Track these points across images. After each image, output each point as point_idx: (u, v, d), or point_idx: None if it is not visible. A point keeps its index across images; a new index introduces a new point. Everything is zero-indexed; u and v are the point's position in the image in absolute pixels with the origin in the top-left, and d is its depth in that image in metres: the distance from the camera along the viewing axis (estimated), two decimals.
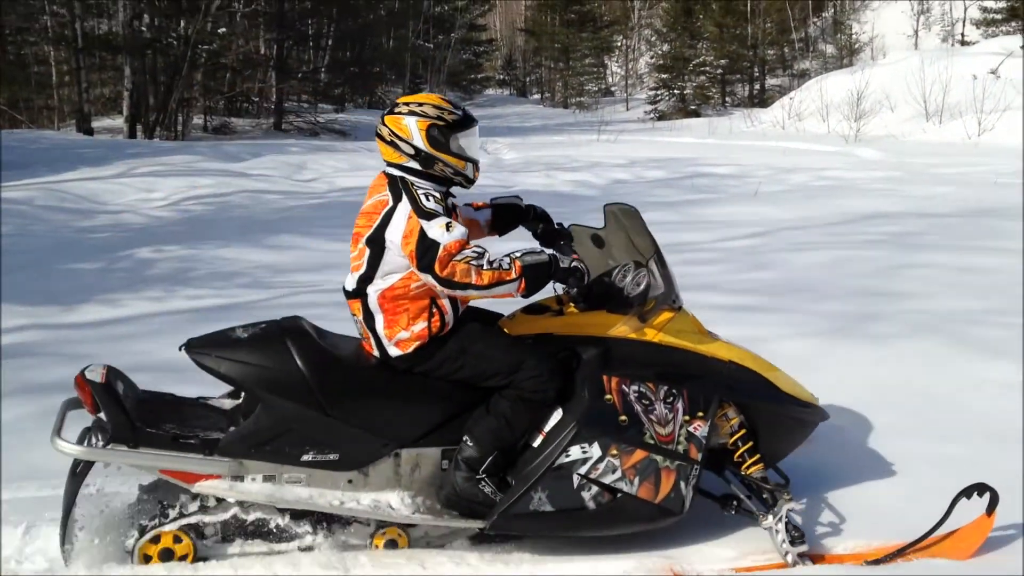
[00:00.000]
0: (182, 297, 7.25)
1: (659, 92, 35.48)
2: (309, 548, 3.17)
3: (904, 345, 5.82)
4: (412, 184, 3.14)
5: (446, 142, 3.17)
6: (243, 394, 3.25)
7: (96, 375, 3.03)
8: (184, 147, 17.73)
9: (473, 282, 3.01)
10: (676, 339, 3.32)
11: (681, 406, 3.20)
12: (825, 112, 23.54)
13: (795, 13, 37.43)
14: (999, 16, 30.58)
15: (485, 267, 3.02)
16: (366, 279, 3.17)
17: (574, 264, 3.22)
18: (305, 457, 3.07)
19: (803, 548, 3.21)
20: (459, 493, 3.14)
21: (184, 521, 3.10)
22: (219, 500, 3.12)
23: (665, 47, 37.50)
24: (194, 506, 3.12)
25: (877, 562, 3.16)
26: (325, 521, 3.19)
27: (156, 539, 3.09)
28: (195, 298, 7.21)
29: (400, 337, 3.15)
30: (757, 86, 36.37)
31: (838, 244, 9.32)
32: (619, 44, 47.57)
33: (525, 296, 3.13)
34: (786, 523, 3.22)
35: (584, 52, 43.64)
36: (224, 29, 23.48)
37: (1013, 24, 29.14)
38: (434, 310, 3.15)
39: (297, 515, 3.16)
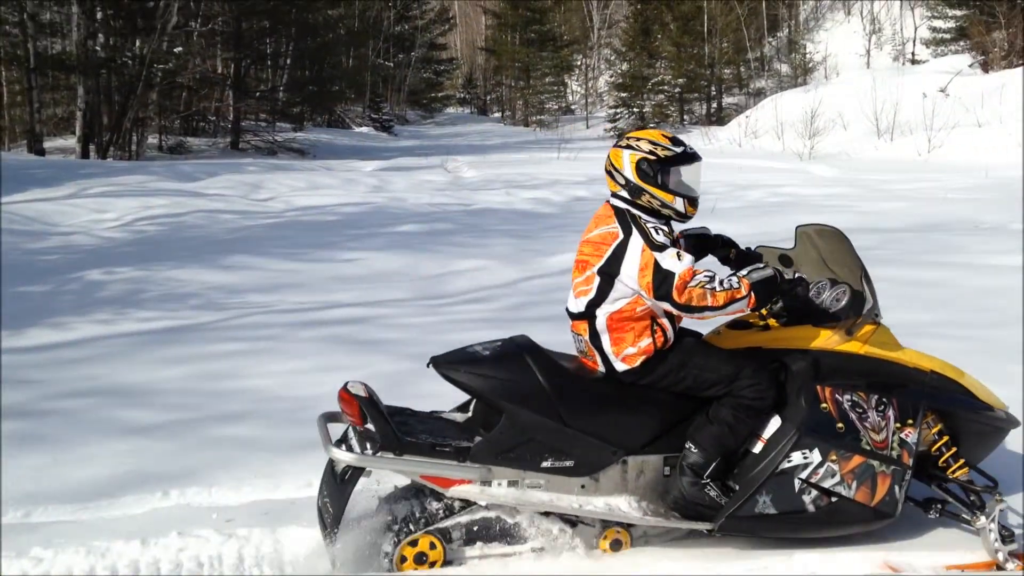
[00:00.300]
0: (132, 319, 7.12)
1: (619, 110, 35.83)
2: (541, 549, 3.34)
3: None
4: (640, 219, 3.31)
5: (654, 176, 3.31)
6: (472, 407, 3.51)
7: (360, 390, 3.27)
8: (138, 167, 17.49)
9: (709, 304, 3.17)
10: (880, 351, 3.45)
11: (892, 414, 3.36)
12: (780, 130, 23.93)
13: (751, 33, 38.07)
14: (948, 36, 31.35)
15: (718, 288, 3.18)
16: (595, 304, 3.36)
17: (798, 275, 3.44)
18: (545, 464, 3.27)
19: (1014, 547, 3.31)
20: (686, 497, 3.30)
21: (437, 525, 3.28)
22: (464, 505, 3.31)
23: (624, 66, 37.85)
24: (443, 511, 3.30)
25: None
26: (554, 524, 3.36)
27: (413, 543, 3.26)
28: (145, 320, 7.09)
29: (627, 353, 3.34)
30: (714, 104, 36.88)
31: None
32: (579, 63, 48.01)
33: (754, 311, 3.33)
34: (998, 523, 3.32)
35: (544, 71, 43.99)
36: (180, 48, 23.25)
37: (961, 43, 29.88)
38: (656, 327, 3.34)
39: (529, 519, 3.35)
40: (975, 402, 3.48)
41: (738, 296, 3.19)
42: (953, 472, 3.45)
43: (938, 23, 31.93)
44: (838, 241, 3.58)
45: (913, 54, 34.88)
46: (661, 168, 3.31)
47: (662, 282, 3.14)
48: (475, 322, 7.19)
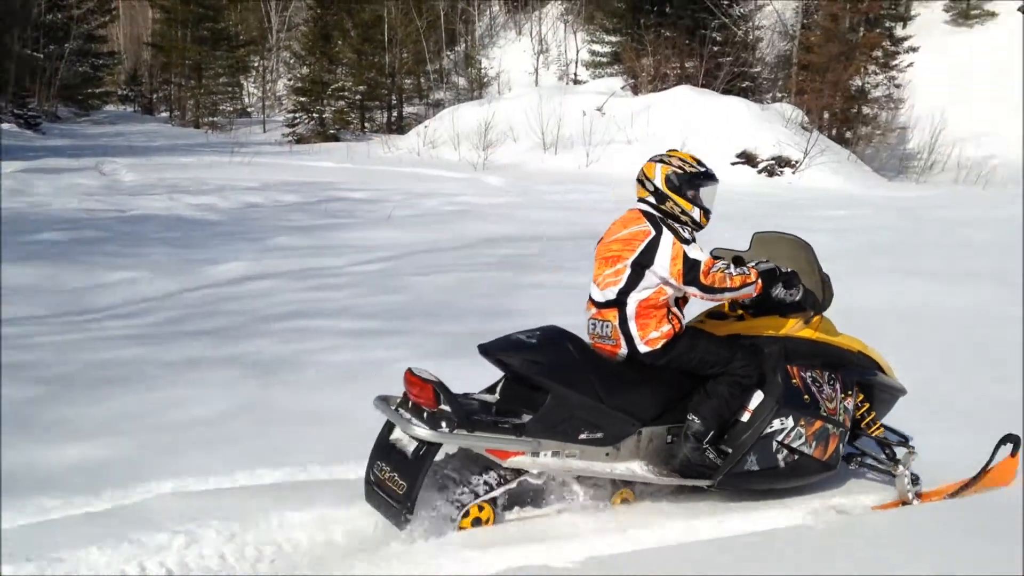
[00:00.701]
0: None
1: (298, 115, 35.04)
2: (564, 509, 3.79)
3: None
4: (667, 221, 3.89)
5: (679, 187, 3.91)
6: (500, 389, 3.92)
7: (429, 375, 3.62)
8: None
9: (728, 286, 3.79)
10: (826, 336, 4.20)
11: (838, 387, 4.13)
12: (457, 141, 24.72)
13: (430, 45, 39.07)
14: (605, 59, 34.26)
15: (734, 273, 3.82)
16: (625, 292, 3.86)
17: (790, 270, 4.06)
18: (581, 436, 3.72)
19: (919, 488, 4.18)
20: (690, 460, 3.87)
21: (493, 494, 3.64)
22: (515, 475, 3.68)
23: (304, 70, 37.10)
24: (496, 481, 3.65)
25: (954, 495, 4.09)
26: (575, 488, 3.82)
27: (479, 507, 3.63)
28: None
29: (651, 336, 3.85)
30: (395, 113, 37.32)
31: (463, 267, 9.68)
32: (256, 64, 46.30)
33: (759, 295, 3.92)
34: (909, 472, 4.17)
35: (218, 71, 41.87)
36: None
37: (616, 67, 32.79)
38: (671, 315, 3.90)
39: (557, 485, 3.80)
40: (883, 375, 4.32)
41: (749, 281, 3.84)
42: (873, 431, 4.31)
43: (596, 47, 34.80)
44: (797, 247, 4.26)
45: (575, 75, 37.72)
46: (686, 182, 3.92)
47: (690, 269, 3.75)
48: (125, 339, 6.56)
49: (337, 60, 36.42)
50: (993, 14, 32.24)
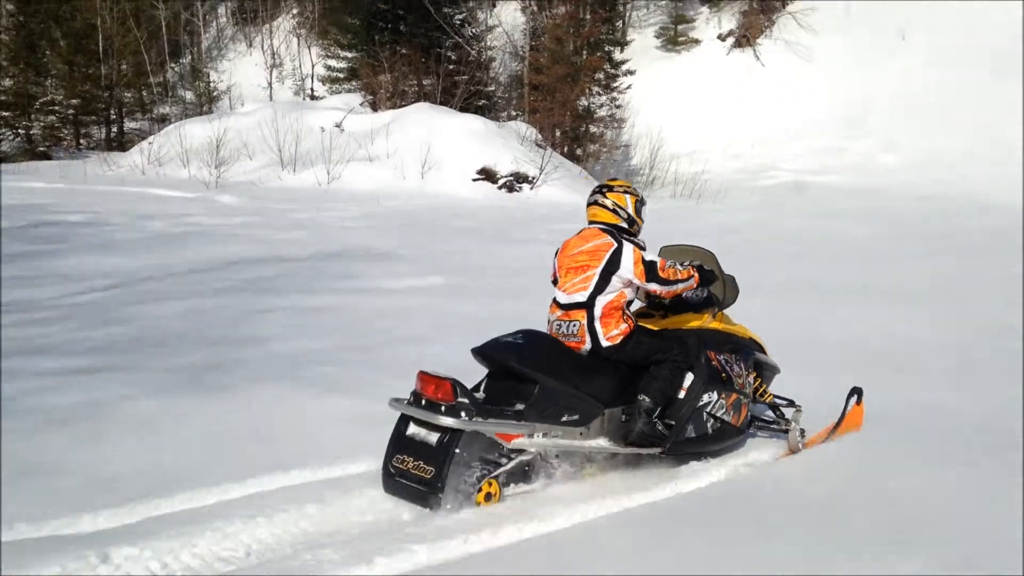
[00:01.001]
0: None
1: (2, 132, 31.50)
2: (548, 484, 4.41)
3: (250, 392, 5.75)
4: (623, 235, 4.70)
5: (640, 211, 4.80)
6: (484, 387, 4.49)
7: (441, 374, 4.16)
8: None
9: (680, 278, 4.65)
10: (728, 326, 5.14)
11: (742, 365, 5.04)
12: (186, 158, 23.31)
13: (152, 57, 36.61)
14: (342, 75, 33.83)
15: (681, 268, 4.68)
16: (594, 295, 4.59)
17: (709, 268, 4.93)
18: (563, 418, 4.37)
19: (805, 439, 5.13)
20: (644, 432, 4.58)
21: (501, 471, 4.22)
22: (513, 454, 4.27)
23: (7, 82, 33.47)
24: (501, 461, 4.24)
25: (826, 440, 5.14)
26: (553, 465, 4.47)
27: (489, 484, 4.17)
28: None
29: (612, 334, 4.59)
30: (115, 129, 34.61)
31: (195, 293, 9.06)
32: None
33: (697, 288, 4.86)
34: (799, 427, 5.15)
35: None
36: None
37: (354, 83, 32.49)
38: (626, 316, 4.67)
39: (539, 463, 4.41)
40: (769, 357, 5.30)
41: (691, 274, 4.72)
42: (766, 398, 5.29)
43: (332, 63, 34.29)
44: (703, 255, 5.12)
45: (312, 90, 36.96)
46: (643, 206, 4.85)
47: (650, 268, 4.59)
48: None
49: (45, 71, 33.23)
50: (697, 41, 35.52)
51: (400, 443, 4.17)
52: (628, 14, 37.14)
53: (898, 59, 31.79)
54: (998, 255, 13.02)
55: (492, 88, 31.77)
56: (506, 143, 22.97)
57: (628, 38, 34.96)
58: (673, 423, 4.71)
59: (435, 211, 17.88)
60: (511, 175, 22.01)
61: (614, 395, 4.59)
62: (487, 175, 21.98)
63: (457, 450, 4.04)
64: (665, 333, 4.86)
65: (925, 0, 33.66)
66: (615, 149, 28.90)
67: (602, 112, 28.82)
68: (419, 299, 9.07)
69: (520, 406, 4.29)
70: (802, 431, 5.12)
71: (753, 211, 20.11)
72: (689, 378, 4.78)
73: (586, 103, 28.32)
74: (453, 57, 29.99)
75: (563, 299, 4.68)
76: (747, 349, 5.14)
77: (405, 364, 6.34)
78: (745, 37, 35.09)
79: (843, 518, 4.00)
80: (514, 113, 30.23)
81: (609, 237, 4.63)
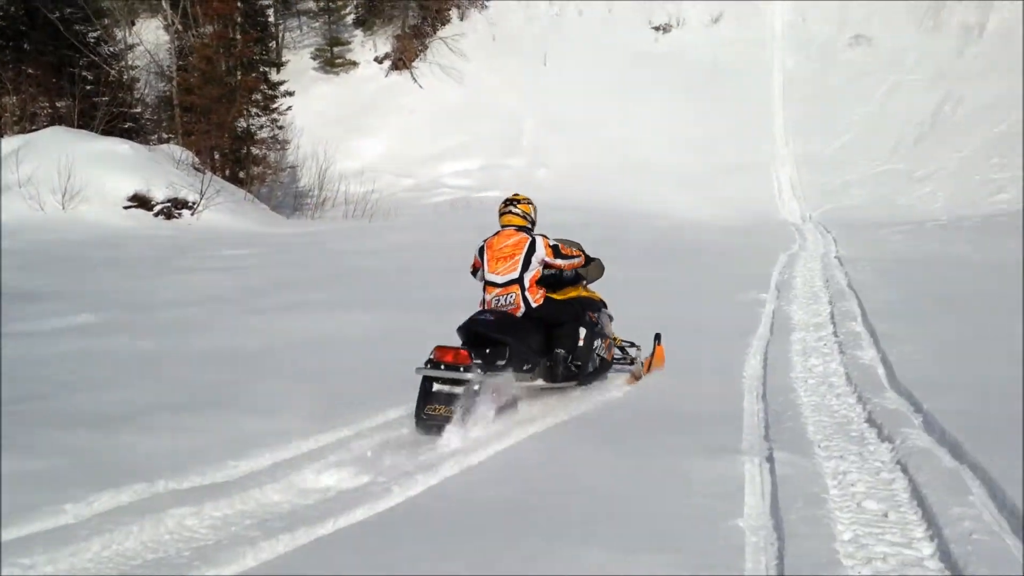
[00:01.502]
0: None
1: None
2: (514, 412, 5.91)
3: None
4: (532, 230, 6.47)
5: (535, 215, 6.55)
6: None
7: (455, 346, 5.79)
8: None
9: (573, 254, 6.50)
10: (590, 294, 6.89)
11: (607, 318, 6.92)
12: None
13: None
14: None
15: (573, 249, 6.58)
16: (522, 273, 6.24)
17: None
18: (524, 368, 6.05)
19: (643, 369, 7.17)
20: (565, 372, 6.37)
21: (494, 407, 5.69)
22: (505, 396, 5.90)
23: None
24: (497, 402, 5.76)
25: (647, 372, 7.16)
26: (517, 398, 6.04)
27: (487, 416, 5.66)
28: None
29: (536, 297, 6.28)
30: None
31: None
32: None
33: (582, 267, 6.70)
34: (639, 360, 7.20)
35: None
36: None
37: None
38: (540, 288, 6.34)
39: (511, 400, 5.94)
40: (606, 310, 6.96)
41: (579, 254, 6.54)
42: (617, 342, 7.12)
43: None
44: (576, 245, 6.70)
45: None
46: (536, 212, 6.54)
47: (555, 249, 6.31)
48: None
49: None
50: (355, 63, 35.67)
51: (428, 397, 5.56)
52: (282, 35, 36.43)
53: (543, 83, 34.30)
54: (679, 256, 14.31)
55: (139, 110, 29.40)
56: (160, 167, 21.37)
57: (284, 59, 34.23)
58: (580, 363, 6.50)
59: (82, 244, 16.07)
60: (168, 201, 20.47)
61: (543, 349, 6.30)
62: (141, 202, 20.23)
63: (477, 395, 5.46)
64: (559, 299, 6.56)
65: (561, 32, 36.74)
66: (280, 171, 28.06)
67: (263, 134, 27.86)
68: (73, 341, 7.97)
69: (501, 363, 5.84)
70: (640, 364, 7.13)
71: (422, 228, 20.48)
72: (583, 332, 6.52)
73: (245, 124, 27.21)
74: (90, 77, 27.32)
75: (500, 280, 6.30)
76: (604, 308, 6.93)
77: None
78: (401, 60, 35.88)
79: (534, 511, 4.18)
80: (166, 136, 28.20)
81: (524, 233, 6.39)
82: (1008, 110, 28.20)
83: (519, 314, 6.22)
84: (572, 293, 6.72)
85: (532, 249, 6.25)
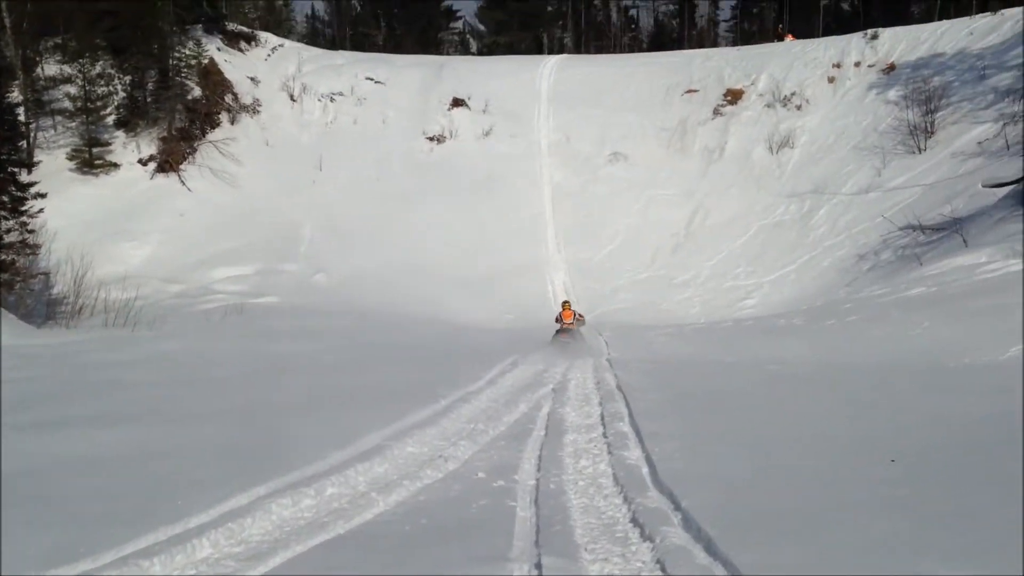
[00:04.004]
0: None
1: None
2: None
3: None
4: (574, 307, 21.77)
5: (571, 304, 19.95)
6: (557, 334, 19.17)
7: (572, 315, 19.46)
8: None
9: (579, 316, 20.74)
10: (579, 326, 19.62)
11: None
12: None
13: None
14: None
15: (582, 316, 21.53)
16: (573, 320, 19.72)
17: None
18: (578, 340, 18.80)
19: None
20: (579, 342, 18.86)
21: (587, 344, 18.46)
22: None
23: None
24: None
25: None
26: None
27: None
28: None
29: (575, 324, 19.86)
30: None
31: None
32: None
33: (581, 321, 20.47)
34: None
35: None
36: None
37: None
38: (575, 318, 20.04)
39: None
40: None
41: (581, 316, 20.55)
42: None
43: None
44: (578, 313, 20.29)
45: None
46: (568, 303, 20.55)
47: (582, 316, 20.88)
48: None
49: None
50: (116, 164, 33.99)
51: (560, 332, 18.42)
52: (33, 135, 34.21)
53: (319, 188, 34.25)
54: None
55: None
56: None
57: (36, 159, 32.09)
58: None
59: None
60: None
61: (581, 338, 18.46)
62: None
63: (582, 336, 17.41)
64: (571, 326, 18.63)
65: (336, 138, 37.02)
66: (31, 278, 25.82)
67: (12, 237, 25.65)
68: None
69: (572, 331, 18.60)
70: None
71: (190, 336, 19.53)
72: (583, 331, 18.01)
73: None
74: None
75: (567, 322, 18.64)
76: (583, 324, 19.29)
77: None
78: (168, 163, 34.61)
79: None
80: None
81: (572, 307, 19.43)
82: (747, 223, 31.43)
83: (573, 331, 18.25)
84: (573, 326, 18.31)
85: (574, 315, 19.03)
